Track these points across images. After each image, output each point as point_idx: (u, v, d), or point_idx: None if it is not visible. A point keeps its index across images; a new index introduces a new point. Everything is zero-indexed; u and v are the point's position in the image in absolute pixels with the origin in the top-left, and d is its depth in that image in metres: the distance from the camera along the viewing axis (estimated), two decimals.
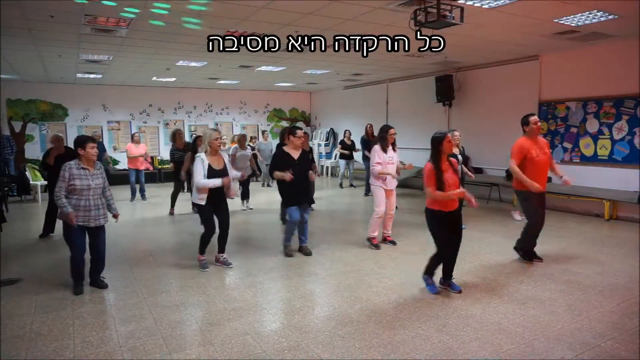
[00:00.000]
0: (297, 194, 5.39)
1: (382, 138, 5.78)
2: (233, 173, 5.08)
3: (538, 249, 5.24)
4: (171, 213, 8.32)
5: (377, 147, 5.76)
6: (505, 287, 4.41)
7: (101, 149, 9.99)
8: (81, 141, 4.26)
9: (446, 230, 4.12)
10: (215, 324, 3.62)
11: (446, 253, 4.17)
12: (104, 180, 4.41)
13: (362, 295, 4.22)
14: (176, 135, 8.33)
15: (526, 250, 5.18)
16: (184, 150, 8.07)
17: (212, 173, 4.77)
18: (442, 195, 3.93)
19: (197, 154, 4.87)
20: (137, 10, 5.44)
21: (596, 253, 5.58)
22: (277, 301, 4.12)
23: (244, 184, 8.77)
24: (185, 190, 10.74)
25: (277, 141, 10.55)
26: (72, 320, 3.72)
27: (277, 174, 5.30)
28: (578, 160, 8.24)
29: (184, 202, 8.88)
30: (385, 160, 5.69)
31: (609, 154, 7.78)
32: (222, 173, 4.84)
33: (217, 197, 4.89)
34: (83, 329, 3.56)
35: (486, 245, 5.97)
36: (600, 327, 3.51)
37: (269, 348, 3.22)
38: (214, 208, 4.92)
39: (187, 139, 13.33)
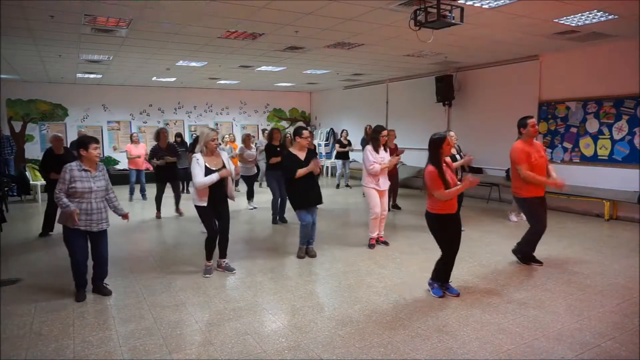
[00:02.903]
0: (308, 196, 5.31)
1: (374, 139, 5.77)
2: (232, 176, 4.90)
3: (538, 249, 5.22)
4: (158, 216, 8.03)
5: (369, 148, 5.73)
6: (505, 287, 4.41)
7: None
8: (83, 142, 4.08)
9: (449, 233, 4.06)
10: (215, 324, 3.62)
11: (453, 254, 4.10)
12: (107, 182, 4.25)
13: (362, 295, 4.22)
14: (160, 134, 8.03)
15: (525, 254, 5.09)
16: (166, 151, 7.89)
17: (208, 174, 4.57)
18: (453, 191, 3.85)
19: (194, 155, 4.70)
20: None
21: (596, 253, 5.58)
22: (277, 301, 4.12)
23: (249, 184, 8.77)
24: (185, 192, 10.72)
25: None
26: (72, 320, 3.72)
27: (301, 171, 5.16)
28: (578, 160, 8.24)
29: (185, 204, 8.87)
30: (377, 160, 5.67)
31: (609, 154, 7.78)
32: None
33: (218, 199, 4.72)
34: (83, 329, 3.56)
35: (486, 245, 5.98)
36: (600, 327, 3.51)
37: (269, 348, 3.22)
38: (214, 210, 4.76)
39: (188, 139, 13.38)
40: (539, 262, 5.10)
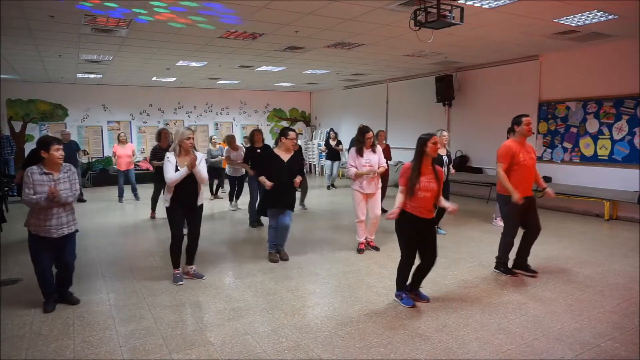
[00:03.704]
0: (277, 198, 5.18)
1: (358, 141, 5.60)
2: (201, 175, 4.48)
3: (539, 249, 5.22)
4: (152, 217, 8.00)
5: (352, 150, 5.63)
6: (505, 287, 4.41)
7: (75, 147, 9.84)
8: (45, 142, 3.76)
9: (410, 235, 3.92)
10: (215, 324, 3.62)
11: (408, 258, 3.96)
12: (72, 183, 3.90)
13: (362, 295, 4.22)
14: (161, 134, 7.84)
15: (501, 260, 4.81)
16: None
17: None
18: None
19: (166, 153, 4.50)
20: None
21: (596, 253, 5.58)
22: (277, 301, 4.12)
23: (240, 184, 8.68)
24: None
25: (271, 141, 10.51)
26: (72, 320, 3.72)
27: (261, 178, 5.16)
28: (578, 160, 8.24)
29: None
30: (360, 164, 5.52)
31: (609, 154, 7.78)
32: (189, 176, 4.38)
33: (187, 202, 4.48)
34: (83, 329, 3.56)
35: (485, 245, 5.98)
36: (600, 327, 3.51)
37: (269, 348, 3.22)
38: (183, 213, 4.55)
39: None
40: (533, 272, 4.71)
